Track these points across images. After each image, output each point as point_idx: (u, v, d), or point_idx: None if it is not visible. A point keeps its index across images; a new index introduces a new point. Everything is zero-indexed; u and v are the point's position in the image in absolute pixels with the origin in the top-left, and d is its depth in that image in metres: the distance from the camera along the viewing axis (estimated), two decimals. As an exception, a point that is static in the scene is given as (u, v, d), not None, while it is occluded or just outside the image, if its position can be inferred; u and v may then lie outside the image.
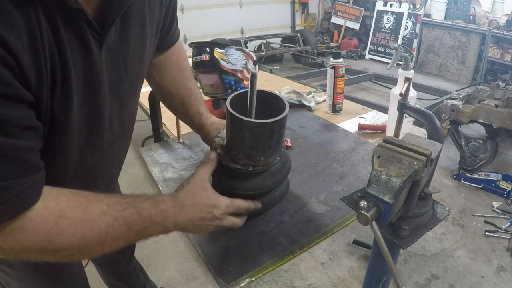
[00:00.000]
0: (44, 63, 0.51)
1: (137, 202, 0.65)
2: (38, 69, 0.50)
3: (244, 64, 1.69)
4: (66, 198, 0.59)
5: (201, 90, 1.81)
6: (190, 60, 1.88)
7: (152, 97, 1.36)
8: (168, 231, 0.69)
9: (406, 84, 0.85)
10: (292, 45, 6.03)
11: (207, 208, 0.70)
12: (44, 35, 0.50)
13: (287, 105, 0.73)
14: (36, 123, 0.53)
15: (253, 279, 0.75)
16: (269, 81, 2.18)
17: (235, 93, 0.75)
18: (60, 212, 0.57)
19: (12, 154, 0.49)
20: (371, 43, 6.34)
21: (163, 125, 1.67)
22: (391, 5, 6.01)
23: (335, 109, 1.56)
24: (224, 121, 0.92)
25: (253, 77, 0.71)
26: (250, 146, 0.73)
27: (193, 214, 0.69)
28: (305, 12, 7.41)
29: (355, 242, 2.09)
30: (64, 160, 0.67)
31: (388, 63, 4.10)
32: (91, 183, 0.82)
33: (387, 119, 1.41)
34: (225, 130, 0.82)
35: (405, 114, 0.88)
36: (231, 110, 0.70)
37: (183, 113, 1.01)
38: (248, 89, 0.73)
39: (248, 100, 0.74)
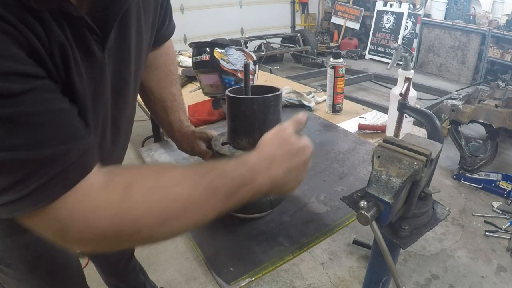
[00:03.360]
0: (54, 55, 0.50)
1: (219, 165, 0.58)
2: (50, 57, 0.49)
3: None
4: (132, 171, 0.55)
5: (201, 90, 1.81)
6: (190, 60, 1.89)
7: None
8: (263, 190, 0.60)
9: (406, 84, 0.85)
10: (292, 45, 6.03)
11: (298, 152, 0.64)
12: (53, 35, 0.50)
13: (281, 88, 0.81)
14: (56, 86, 0.50)
15: (253, 279, 0.75)
16: (269, 81, 2.18)
17: (231, 88, 0.83)
18: (129, 182, 0.51)
19: (54, 118, 0.47)
20: (371, 43, 6.34)
21: (163, 125, 1.67)
22: (391, 5, 6.01)
23: (335, 109, 1.55)
24: (206, 131, 0.98)
25: (246, 66, 0.79)
26: (252, 124, 0.77)
27: (287, 163, 0.62)
28: (305, 12, 7.41)
29: (355, 242, 2.09)
30: None
31: (388, 63, 4.11)
32: None
33: (387, 119, 1.41)
34: (218, 137, 0.88)
35: (405, 114, 0.88)
36: (231, 94, 0.78)
37: (163, 117, 1.01)
38: (243, 78, 0.81)
39: (244, 85, 0.80)
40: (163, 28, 0.90)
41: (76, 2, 0.53)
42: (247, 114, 0.77)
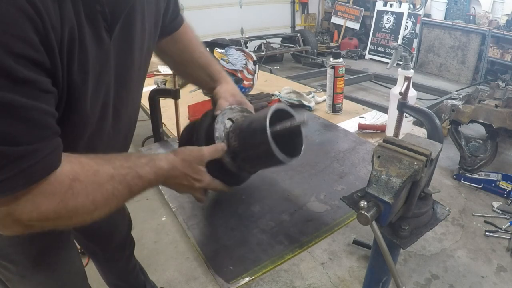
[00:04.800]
0: (63, 40, 0.53)
1: (138, 166, 0.69)
2: (59, 44, 0.53)
3: (244, 64, 1.70)
4: (78, 161, 0.61)
5: (201, 91, 1.81)
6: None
7: (152, 97, 1.36)
8: (153, 186, 0.75)
9: (406, 83, 0.85)
10: (292, 45, 6.03)
11: (193, 180, 0.78)
12: (67, 18, 0.53)
13: (303, 143, 0.82)
14: (53, 89, 0.54)
15: (253, 278, 0.75)
16: (269, 81, 2.18)
17: (273, 110, 0.77)
18: (74, 176, 0.59)
19: (38, 117, 0.51)
20: (371, 43, 6.34)
21: (163, 125, 1.67)
22: (391, 5, 6.01)
23: (335, 109, 1.56)
24: (231, 96, 0.95)
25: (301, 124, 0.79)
26: (260, 166, 0.83)
27: (179, 180, 0.77)
28: (305, 12, 7.41)
29: (355, 242, 2.09)
30: (77, 138, 0.70)
31: (388, 63, 4.10)
32: None
33: (387, 119, 1.41)
34: (227, 115, 0.85)
35: (405, 114, 0.88)
36: (274, 150, 0.74)
37: (200, 75, 1.04)
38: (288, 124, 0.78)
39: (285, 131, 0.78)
40: (167, 14, 0.92)
41: None
42: (268, 162, 0.80)
